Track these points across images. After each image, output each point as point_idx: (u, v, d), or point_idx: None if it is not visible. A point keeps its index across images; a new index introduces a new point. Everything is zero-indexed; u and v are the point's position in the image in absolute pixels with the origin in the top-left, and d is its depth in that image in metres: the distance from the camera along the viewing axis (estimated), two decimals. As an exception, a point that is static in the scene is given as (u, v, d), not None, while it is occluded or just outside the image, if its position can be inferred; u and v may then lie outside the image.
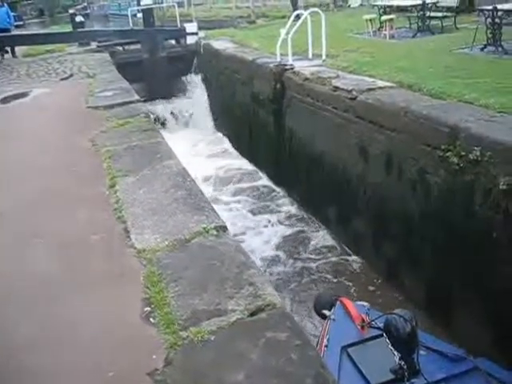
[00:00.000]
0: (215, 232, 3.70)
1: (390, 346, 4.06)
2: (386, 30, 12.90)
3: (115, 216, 4.19)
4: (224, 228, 3.78)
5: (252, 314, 2.78)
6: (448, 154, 5.75)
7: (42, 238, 3.99)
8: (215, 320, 2.75)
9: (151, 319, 2.87)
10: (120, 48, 16.38)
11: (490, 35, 9.58)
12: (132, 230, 3.90)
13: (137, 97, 8.66)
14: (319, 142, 8.83)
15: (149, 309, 2.95)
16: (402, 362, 3.98)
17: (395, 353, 4.02)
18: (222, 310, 2.82)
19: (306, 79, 9.12)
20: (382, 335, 4.27)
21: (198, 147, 14.24)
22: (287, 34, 10.43)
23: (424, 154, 6.17)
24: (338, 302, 5.07)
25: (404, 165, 6.59)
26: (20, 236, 4.07)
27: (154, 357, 2.57)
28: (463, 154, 5.55)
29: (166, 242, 3.63)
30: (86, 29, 18.56)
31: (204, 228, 3.74)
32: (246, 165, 12.80)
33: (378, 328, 4.46)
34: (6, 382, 2.56)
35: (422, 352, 4.07)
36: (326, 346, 4.53)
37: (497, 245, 5.29)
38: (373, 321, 4.60)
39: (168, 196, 4.40)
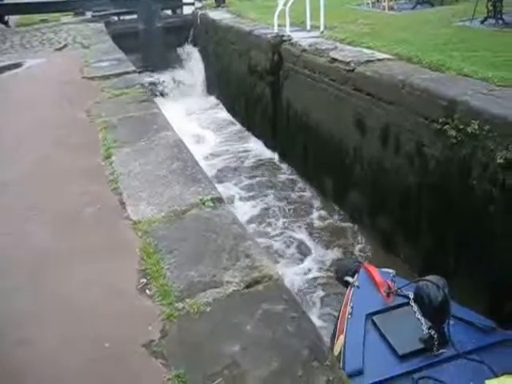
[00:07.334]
0: (211, 204, 3.69)
1: (418, 314, 3.98)
2: (385, 1, 12.73)
3: (111, 187, 4.17)
4: (220, 200, 3.78)
5: (248, 286, 2.79)
6: (446, 127, 5.71)
7: (37, 211, 3.97)
8: (211, 292, 2.75)
9: (147, 291, 2.87)
10: (115, 18, 16.11)
11: (490, 7, 9.42)
12: (128, 201, 3.89)
13: (133, 67, 8.57)
14: (316, 113, 8.77)
15: (145, 280, 2.95)
16: (432, 332, 3.85)
17: (424, 321, 3.93)
18: (218, 282, 2.82)
19: (304, 51, 9.02)
20: (408, 303, 4.18)
21: (193, 116, 14.13)
22: (285, 4, 10.28)
23: (421, 126, 6.12)
24: (362, 269, 4.92)
25: (401, 137, 6.55)
26: (14, 209, 4.05)
27: (150, 328, 2.58)
28: (461, 127, 5.51)
29: (162, 214, 3.62)
30: (80, -2, 18.26)
31: (200, 200, 3.74)
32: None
33: (405, 296, 4.33)
34: (6, 355, 2.57)
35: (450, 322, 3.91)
36: (350, 314, 4.38)
37: (493, 218, 5.29)
38: (400, 288, 4.43)
39: (164, 167, 4.38)
